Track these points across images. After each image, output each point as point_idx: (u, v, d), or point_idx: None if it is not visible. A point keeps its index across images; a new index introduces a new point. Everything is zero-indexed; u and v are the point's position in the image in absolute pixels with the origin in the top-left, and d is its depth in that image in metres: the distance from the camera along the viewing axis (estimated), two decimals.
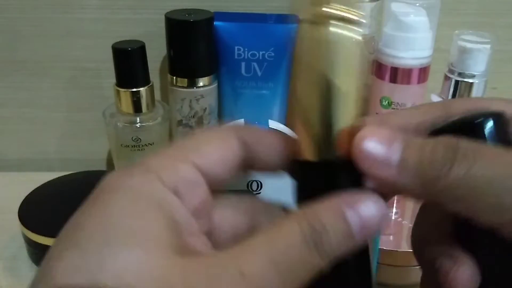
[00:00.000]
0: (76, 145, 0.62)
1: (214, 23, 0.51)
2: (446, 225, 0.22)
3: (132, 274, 0.16)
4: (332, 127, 0.19)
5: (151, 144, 0.50)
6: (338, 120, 0.19)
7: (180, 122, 0.53)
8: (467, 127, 0.20)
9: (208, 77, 0.52)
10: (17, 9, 0.55)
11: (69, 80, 0.59)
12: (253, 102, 0.54)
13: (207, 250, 0.20)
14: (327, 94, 0.19)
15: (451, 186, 0.18)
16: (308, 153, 0.20)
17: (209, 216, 0.21)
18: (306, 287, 0.18)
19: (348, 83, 0.19)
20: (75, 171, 0.50)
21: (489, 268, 0.21)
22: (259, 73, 0.53)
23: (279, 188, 0.25)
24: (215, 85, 0.53)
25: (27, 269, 0.44)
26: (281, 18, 0.54)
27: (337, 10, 0.19)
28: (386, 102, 0.50)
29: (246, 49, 0.52)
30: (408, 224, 0.48)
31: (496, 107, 0.21)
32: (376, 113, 0.51)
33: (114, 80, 0.49)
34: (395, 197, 0.48)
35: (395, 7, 0.47)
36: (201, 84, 0.52)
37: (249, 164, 0.22)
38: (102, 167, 0.62)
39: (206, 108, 0.53)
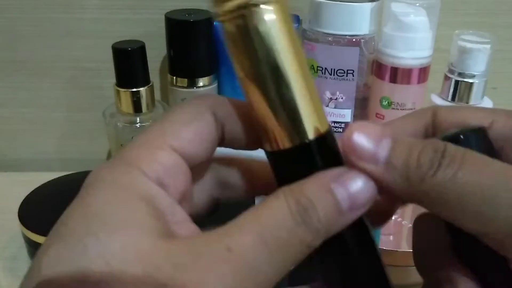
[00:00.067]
0: (76, 145, 0.62)
1: (214, 23, 0.51)
2: (444, 240, 0.22)
3: (116, 257, 0.16)
4: (294, 108, 0.19)
5: None
6: (297, 99, 0.19)
7: None
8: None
9: (208, 77, 0.52)
10: (17, 9, 0.55)
11: (69, 80, 0.59)
12: None
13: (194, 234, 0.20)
14: (272, 80, 0.19)
15: (435, 189, 0.17)
16: (282, 142, 0.19)
17: (191, 196, 0.21)
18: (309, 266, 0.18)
19: (288, 61, 0.19)
20: (75, 171, 0.50)
21: (490, 285, 0.20)
22: None
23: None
24: (215, 85, 0.53)
25: (27, 269, 0.44)
26: None
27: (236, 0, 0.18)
28: (386, 102, 0.50)
29: None
30: (408, 224, 0.48)
31: (481, 116, 0.21)
32: (376, 114, 0.51)
33: (114, 80, 0.49)
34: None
35: (395, 7, 0.47)
36: (201, 84, 0.52)
37: (226, 139, 0.21)
38: None
39: None
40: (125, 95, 0.49)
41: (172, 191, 0.19)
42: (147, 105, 0.50)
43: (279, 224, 0.17)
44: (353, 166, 0.19)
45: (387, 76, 0.49)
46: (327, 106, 0.51)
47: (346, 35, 0.48)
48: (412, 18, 0.46)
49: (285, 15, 0.19)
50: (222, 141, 0.21)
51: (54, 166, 0.62)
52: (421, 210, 0.20)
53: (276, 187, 0.19)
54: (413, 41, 0.47)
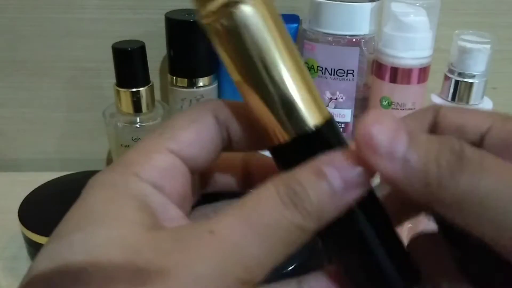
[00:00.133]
0: (76, 145, 0.62)
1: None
2: (443, 257, 0.21)
3: (99, 247, 0.16)
4: (290, 100, 0.19)
5: None
6: (292, 91, 0.19)
7: None
8: None
9: (208, 77, 0.52)
10: (17, 9, 0.55)
11: (69, 80, 0.59)
12: None
13: None
14: (264, 73, 0.19)
15: (454, 195, 0.17)
16: (281, 136, 0.19)
17: (192, 198, 0.21)
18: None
19: (278, 53, 0.19)
20: (75, 171, 0.50)
21: None
22: None
23: None
24: (215, 85, 0.53)
25: (27, 269, 0.44)
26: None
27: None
28: (386, 102, 0.50)
29: None
30: (408, 224, 0.48)
31: (479, 119, 0.20)
32: None
33: (114, 80, 0.49)
34: None
35: (395, 7, 0.47)
36: (201, 84, 0.52)
37: (233, 142, 0.21)
38: (102, 167, 0.62)
39: None
40: (125, 95, 0.49)
41: (169, 192, 0.19)
42: (147, 105, 0.50)
43: (265, 207, 0.17)
44: (365, 162, 0.17)
45: (387, 76, 0.49)
46: (327, 106, 0.51)
47: (346, 35, 0.48)
48: (412, 18, 0.46)
49: (269, 8, 0.19)
50: (230, 144, 0.21)
51: (54, 166, 0.62)
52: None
53: None
54: (413, 41, 0.47)
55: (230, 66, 0.19)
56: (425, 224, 0.31)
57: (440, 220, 0.22)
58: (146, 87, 0.49)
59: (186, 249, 0.16)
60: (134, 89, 0.48)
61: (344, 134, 0.52)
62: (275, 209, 0.17)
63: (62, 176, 0.50)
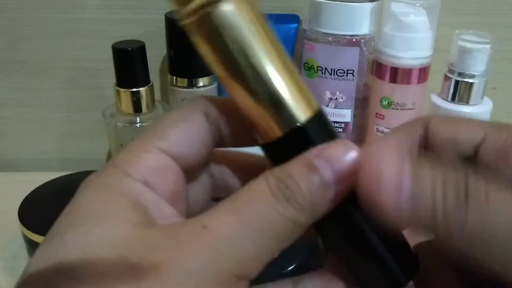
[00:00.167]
0: (76, 145, 0.62)
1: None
2: (448, 268, 0.21)
3: (92, 245, 0.16)
4: (276, 95, 0.19)
5: None
6: (277, 85, 0.19)
7: None
8: None
9: (208, 77, 0.52)
10: (17, 9, 0.55)
11: (69, 80, 0.59)
12: None
13: None
14: (248, 72, 0.19)
15: (462, 232, 0.16)
16: (271, 131, 0.19)
17: (186, 196, 0.21)
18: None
19: (262, 48, 0.19)
20: (75, 171, 0.50)
21: None
22: None
23: None
24: (215, 85, 0.53)
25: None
26: (281, 18, 0.54)
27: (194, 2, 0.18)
28: (386, 102, 0.50)
29: None
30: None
31: (472, 129, 0.20)
32: (376, 114, 0.51)
33: (114, 80, 0.49)
34: None
35: (395, 7, 0.47)
36: (201, 84, 0.52)
37: (224, 139, 0.21)
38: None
39: None
40: (125, 95, 0.49)
41: (160, 191, 0.19)
42: (147, 105, 0.50)
43: (258, 201, 0.17)
44: (368, 199, 0.17)
45: (387, 76, 0.49)
46: (327, 106, 0.51)
47: (346, 35, 0.48)
48: (412, 18, 0.46)
49: (249, 5, 0.19)
50: (222, 141, 0.21)
51: (54, 166, 0.62)
52: None
53: None
54: (413, 41, 0.47)
55: (212, 63, 0.19)
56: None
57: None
58: (146, 87, 0.49)
59: (178, 245, 0.16)
60: (134, 89, 0.48)
61: (344, 135, 0.52)
62: (267, 203, 0.17)
63: (62, 176, 0.50)
